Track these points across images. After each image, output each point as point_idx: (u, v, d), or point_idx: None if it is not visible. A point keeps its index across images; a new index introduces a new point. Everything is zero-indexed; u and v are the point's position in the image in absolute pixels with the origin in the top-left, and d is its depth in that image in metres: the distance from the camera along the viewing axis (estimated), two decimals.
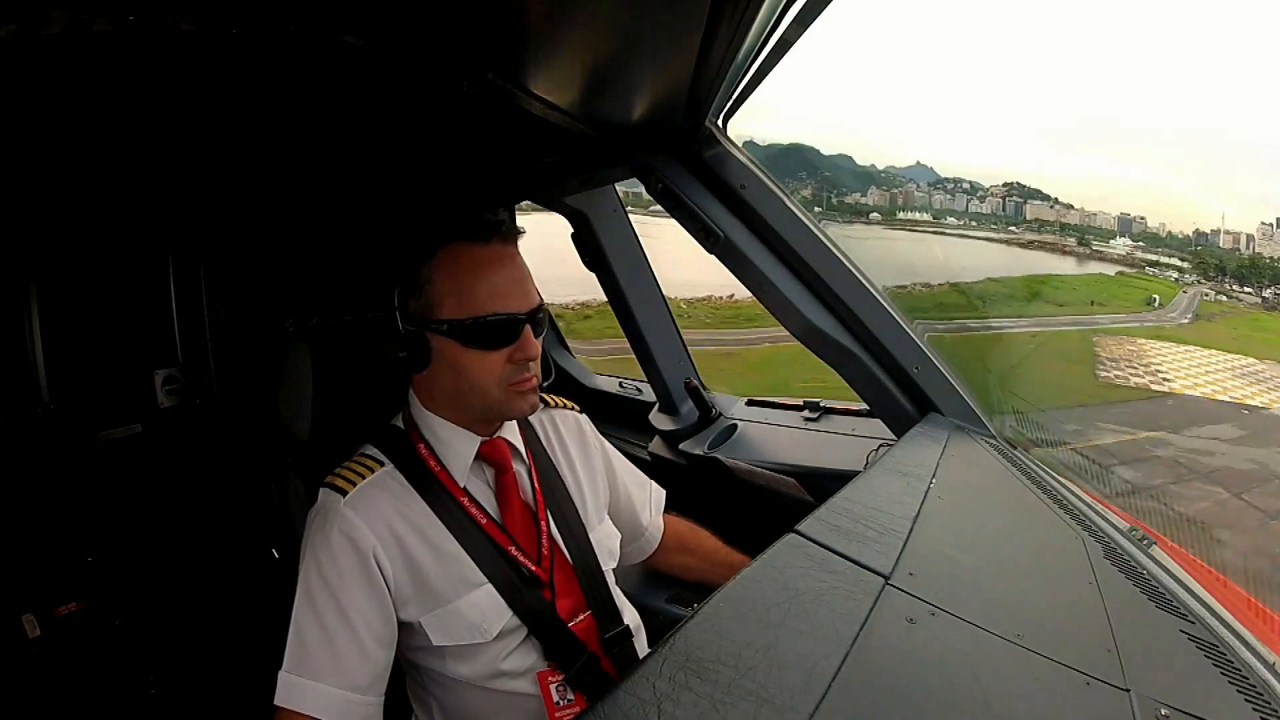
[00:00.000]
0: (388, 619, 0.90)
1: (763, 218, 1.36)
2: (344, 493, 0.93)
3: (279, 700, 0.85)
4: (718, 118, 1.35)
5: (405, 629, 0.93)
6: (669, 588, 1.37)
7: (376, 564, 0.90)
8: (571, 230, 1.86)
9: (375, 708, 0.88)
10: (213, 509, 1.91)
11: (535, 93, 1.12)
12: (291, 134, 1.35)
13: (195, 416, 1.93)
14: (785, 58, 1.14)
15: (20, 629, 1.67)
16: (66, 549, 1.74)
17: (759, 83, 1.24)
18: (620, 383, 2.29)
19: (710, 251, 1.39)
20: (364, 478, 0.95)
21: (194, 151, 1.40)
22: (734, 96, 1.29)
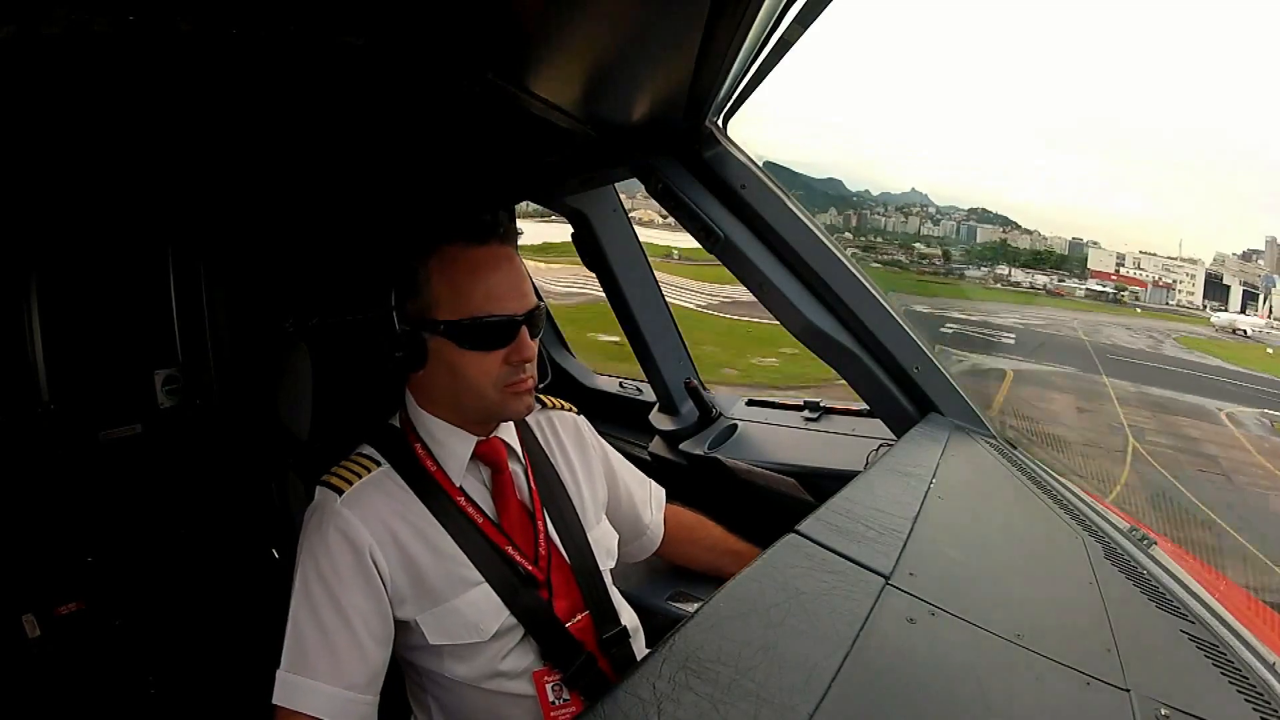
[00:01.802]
0: (384, 617, 0.90)
1: (763, 218, 1.36)
2: (340, 492, 0.93)
3: (277, 699, 0.85)
4: (718, 118, 1.35)
5: (402, 628, 0.93)
6: (669, 587, 1.37)
7: (373, 562, 0.90)
8: (572, 230, 1.86)
9: (371, 706, 0.88)
10: (213, 509, 1.91)
11: (535, 93, 1.12)
12: (292, 134, 1.34)
13: (195, 416, 1.93)
14: (785, 58, 1.14)
15: (20, 629, 1.66)
16: (66, 549, 1.74)
17: (759, 83, 1.24)
18: (620, 383, 2.29)
19: (710, 251, 1.38)
20: (360, 477, 0.95)
21: (194, 151, 1.40)
22: (734, 97, 1.29)
